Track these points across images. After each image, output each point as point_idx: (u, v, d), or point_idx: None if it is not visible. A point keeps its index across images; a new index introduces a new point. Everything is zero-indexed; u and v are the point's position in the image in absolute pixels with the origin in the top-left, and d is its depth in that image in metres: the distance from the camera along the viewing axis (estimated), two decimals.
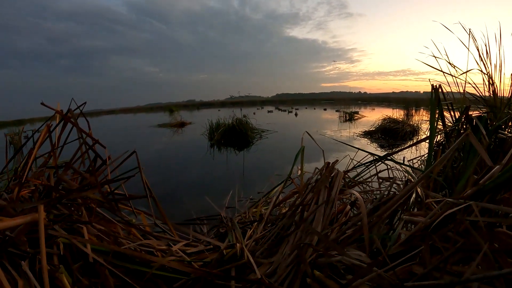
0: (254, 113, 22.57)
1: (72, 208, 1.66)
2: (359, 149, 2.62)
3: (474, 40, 2.63)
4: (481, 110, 2.53)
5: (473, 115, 2.13)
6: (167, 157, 7.18)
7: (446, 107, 2.46)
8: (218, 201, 3.27)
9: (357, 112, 18.42)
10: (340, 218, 1.70)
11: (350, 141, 8.28)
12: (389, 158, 2.32)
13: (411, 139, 8.29)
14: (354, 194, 1.49)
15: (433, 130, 2.07)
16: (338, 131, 10.83)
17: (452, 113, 2.45)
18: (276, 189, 2.83)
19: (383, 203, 1.40)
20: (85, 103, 2.16)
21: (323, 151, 2.40)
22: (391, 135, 8.80)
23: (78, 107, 2.08)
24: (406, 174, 2.65)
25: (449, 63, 2.66)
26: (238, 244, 1.57)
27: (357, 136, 9.27)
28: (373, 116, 14.55)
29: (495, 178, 1.02)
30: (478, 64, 2.63)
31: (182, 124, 15.72)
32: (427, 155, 2.18)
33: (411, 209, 1.42)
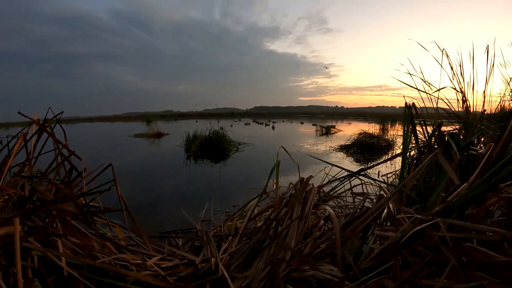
0: (231, 126, 22.58)
1: (47, 220, 1.65)
2: (333, 164, 2.66)
3: (448, 58, 2.74)
4: (454, 126, 2.62)
5: (446, 131, 2.21)
6: (144, 168, 7.11)
7: (419, 123, 2.54)
8: (194, 213, 3.26)
9: (333, 126, 18.67)
10: (314, 232, 1.73)
11: (327, 155, 8.39)
12: (363, 173, 2.37)
13: (386, 153, 8.46)
14: (327, 209, 1.52)
15: (405, 146, 2.13)
16: (314, 144, 10.95)
17: (425, 129, 2.52)
18: (251, 202, 2.85)
19: (356, 218, 1.44)
20: (62, 112, 2.16)
21: (298, 166, 2.44)
22: (367, 149, 8.97)
23: (55, 116, 2.07)
24: (380, 189, 2.71)
25: (423, 80, 2.76)
26: (212, 259, 1.59)
27: (333, 150, 9.39)
28: (349, 131, 14.77)
29: (461, 196, 1.07)
30: (451, 81, 2.74)
31: (159, 135, 15.60)
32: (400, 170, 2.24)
33: (384, 224, 1.46)
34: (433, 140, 2.27)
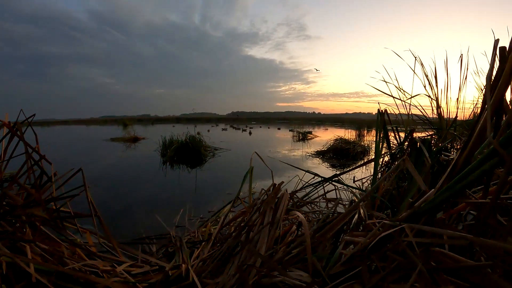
0: (208, 131, 22.50)
1: (17, 225, 1.63)
2: (306, 170, 2.70)
3: (422, 66, 2.82)
4: (428, 132, 2.68)
5: (419, 137, 2.26)
6: (119, 172, 7.03)
7: (392, 129, 2.59)
8: (169, 218, 3.27)
9: (310, 132, 18.85)
10: (286, 237, 1.76)
11: (303, 160, 8.47)
12: (336, 179, 2.40)
13: (362, 158, 8.62)
14: (298, 215, 1.54)
15: (377, 152, 2.18)
16: (291, 150, 11.03)
17: (397, 135, 2.57)
18: (225, 208, 2.86)
19: (327, 223, 1.47)
20: (33, 115, 2.13)
21: (271, 171, 2.47)
22: (343, 155, 9.10)
23: (27, 119, 2.05)
24: (353, 195, 2.76)
25: (398, 88, 2.83)
26: (183, 265, 1.59)
27: (309, 156, 9.48)
28: (325, 136, 14.95)
29: (429, 201, 1.10)
30: (425, 89, 2.82)
31: (135, 139, 15.41)
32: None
33: (355, 229, 1.49)
34: (405, 146, 2.32)
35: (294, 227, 1.84)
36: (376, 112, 2.35)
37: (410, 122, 2.78)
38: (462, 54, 2.76)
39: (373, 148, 9.26)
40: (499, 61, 0.97)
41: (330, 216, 1.61)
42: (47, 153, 1.97)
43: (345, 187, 2.73)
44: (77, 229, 1.97)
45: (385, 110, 2.41)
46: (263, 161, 2.50)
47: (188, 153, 9.02)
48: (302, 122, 23.75)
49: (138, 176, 6.60)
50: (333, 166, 7.77)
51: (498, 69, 0.98)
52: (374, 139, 2.25)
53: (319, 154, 9.70)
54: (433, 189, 1.15)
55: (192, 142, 9.37)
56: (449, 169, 1.14)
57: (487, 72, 1.10)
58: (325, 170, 7.17)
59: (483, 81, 3.09)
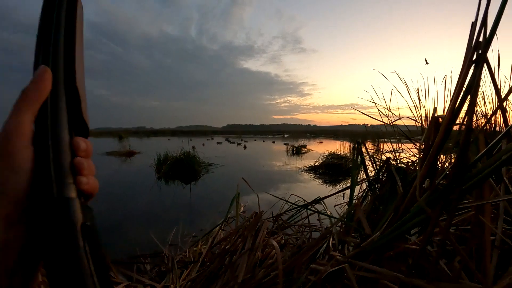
0: (203, 144, 22.58)
1: None
2: (285, 200, 2.74)
3: (407, 88, 2.95)
4: (416, 144, 2.79)
5: (399, 159, 2.38)
6: (114, 188, 7.14)
7: (369, 158, 2.72)
8: (163, 235, 3.41)
9: (304, 146, 18.96)
10: (267, 260, 1.90)
11: (296, 176, 8.63)
12: (317, 203, 2.52)
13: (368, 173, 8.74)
14: (272, 243, 1.68)
15: (353, 181, 2.29)
16: (285, 165, 11.19)
17: (374, 164, 2.69)
18: (215, 229, 2.97)
19: (302, 248, 1.62)
20: None
21: (257, 195, 2.60)
22: (335, 171, 9.21)
23: None
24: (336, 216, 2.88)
25: (387, 108, 2.95)
26: (172, 285, 1.74)
27: (302, 171, 9.65)
28: (320, 150, 15.04)
29: (372, 243, 1.26)
30: (411, 110, 2.96)
31: (130, 154, 15.55)
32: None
33: (325, 255, 1.64)
34: (381, 174, 2.44)
35: (273, 251, 1.97)
36: (371, 123, 2.47)
37: (396, 135, 2.89)
38: (446, 75, 2.89)
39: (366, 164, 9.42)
40: (433, 128, 1.15)
41: (306, 241, 1.76)
42: None
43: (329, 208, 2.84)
44: None
45: (361, 141, 2.54)
46: (249, 186, 2.64)
47: (182, 169, 9.13)
48: (297, 135, 23.87)
49: (134, 192, 6.74)
50: (325, 182, 7.93)
51: (432, 135, 1.15)
52: (368, 151, 2.36)
53: (312, 169, 9.85)
54: (377, 233, 1.30)
55: (186, 158, 9.51)
56: (391, 216, 1.30)
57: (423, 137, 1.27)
58: (317, 185, 7.34)
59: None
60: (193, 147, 11.39)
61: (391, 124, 2.92)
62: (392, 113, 2.98)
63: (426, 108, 2.91)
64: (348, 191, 2.14)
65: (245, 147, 22.00)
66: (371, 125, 2.51)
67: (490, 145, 1.02)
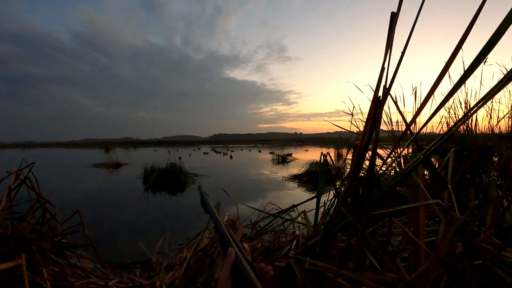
0: (190, 155, 22.61)
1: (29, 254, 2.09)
2: (260, 210, 2.99)
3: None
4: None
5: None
6: (103, 200, 7.37)
7: (336, 168, 2.97)
8: (152, 244, 3.63)
9: (290, 154, 19.07)
10: None
11: (280, 184, 8.94)
12: (292, 210, 2.75)
13: (337, 181, 8.97)
14: (245, 247, 1.94)
15: (319, 191, 2.48)
16: (271, 173, 11.52)
17: (340, 174, 2.93)
18: (197, 237, 3.15)
19: (272, 250, 1.92)
20: (33, 163, 2.62)
21: (236, 205, 2.87)
22: (317, 179, 9.40)
23: (28, 166, 2.52)
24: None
25: (363, 120, 3.20)
26: (158, 282, 2.06)
27: (286, 179, 9.97)
28: (305, 158, 15.18)
29: (313, 242, 1.59)
30: (385, 124, 3.23)
31: (117, 165, 15.69)
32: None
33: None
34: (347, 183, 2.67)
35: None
36: (357, 130, 2.72)
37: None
38: (416, 87, 3.14)
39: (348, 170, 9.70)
40: (353, 151, 1.51)
41: (275, 245, 2.04)
42: (48, 199, 2.43)
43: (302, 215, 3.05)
44: (76, 256, 2.43)
45: (328, 153, 2.79)
46: (228, 196, 2.91)
47: (169, 180, 9.34)
48: (284, 144, 23.96)
49: (122, 203, 6.98)
50: (308, 189, 8.26)
51: (355, 158, 1.51)
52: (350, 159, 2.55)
53: (296, 178, 10.18)
54: (318, 236, 1.61)
55: (173, 169, 9.71)
56: (328, 220, 1.64)
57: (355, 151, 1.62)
58: (300, 193, 7.64)
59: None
60: (180, 158, 11.54)
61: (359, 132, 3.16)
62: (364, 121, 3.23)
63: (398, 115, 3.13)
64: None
65: (231, 157, 22.16)
66: (356, 131, 2.78)
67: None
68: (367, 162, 1.67)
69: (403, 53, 1.20)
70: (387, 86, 1.27)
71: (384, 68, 1.26)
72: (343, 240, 1.56)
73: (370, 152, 1.39)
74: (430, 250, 1.21)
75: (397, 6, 1.20)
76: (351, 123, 3.23)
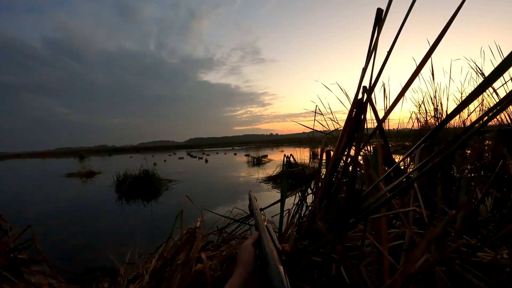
0: (164, 160, 22.43)
1: None
2: (222, 215, 2.99)
3: (348, 98, 3.22)
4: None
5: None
6: (75, 210, 7.20)
7: (300, 170, 2.97)
8: (123, 253, 3.51)
9: (265, 156, 19.13)
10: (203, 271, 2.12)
11: (254, 187, 8.90)
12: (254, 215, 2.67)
13: (309, 181, 8.98)
14: (202, 257, 1.90)
15: (283, 194, 2.43)
16: (244, 177, 11.44)
17: (304, 174, 2.92)
18: (162, 246, 3.09)
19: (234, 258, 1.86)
20: None
21: (201, 211, 2.81)
22: (293, 178, 9.43)
23: None
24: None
25: (335, 120, 3.20)
26: None
27: (260, 181, 9.94)
28: (281, 158, 15.24)
29: (305, 248, 1.55)
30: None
31: (91, 174, 15.37)
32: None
33: None
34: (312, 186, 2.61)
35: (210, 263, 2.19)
36: (332, 128, 2.70)
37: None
38: (384, 83, 3.18)
39: (323, 171, 9.73)
40: (325, 161, 1.46)
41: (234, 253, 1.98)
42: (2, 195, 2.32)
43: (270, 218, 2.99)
44: (31, 272, 2.30)
45: (291, 155, 2.75)
46: (193, 202, 2.85)
47: (142, 187, 9.21)
48: (260, 146, 24.06)
49: (95, 213, 6.80)
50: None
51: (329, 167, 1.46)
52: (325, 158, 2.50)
53: (270, 179, 10.13)
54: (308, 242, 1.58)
55: (146, 176, 9.59)
56: (302, 234, 1.60)
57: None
58: (275, 194, 7.61)
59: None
60: (155, 164, 11.39)
61: (330, 132, 3.15)
62: (334, 121, 3.22)
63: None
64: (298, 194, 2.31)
65: (206, 161, 22.11)
66: (332, 130, 2.75)
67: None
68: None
69: (389, 52, 1.17)
70: (370, 88, 1.22)
71: (367, 68, 1.22)
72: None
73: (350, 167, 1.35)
74: (396, 254, 1.18)
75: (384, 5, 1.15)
76: (320, 123, 3.19)
